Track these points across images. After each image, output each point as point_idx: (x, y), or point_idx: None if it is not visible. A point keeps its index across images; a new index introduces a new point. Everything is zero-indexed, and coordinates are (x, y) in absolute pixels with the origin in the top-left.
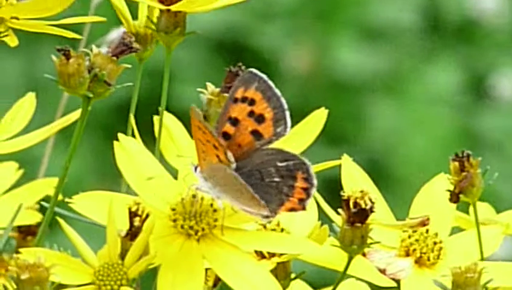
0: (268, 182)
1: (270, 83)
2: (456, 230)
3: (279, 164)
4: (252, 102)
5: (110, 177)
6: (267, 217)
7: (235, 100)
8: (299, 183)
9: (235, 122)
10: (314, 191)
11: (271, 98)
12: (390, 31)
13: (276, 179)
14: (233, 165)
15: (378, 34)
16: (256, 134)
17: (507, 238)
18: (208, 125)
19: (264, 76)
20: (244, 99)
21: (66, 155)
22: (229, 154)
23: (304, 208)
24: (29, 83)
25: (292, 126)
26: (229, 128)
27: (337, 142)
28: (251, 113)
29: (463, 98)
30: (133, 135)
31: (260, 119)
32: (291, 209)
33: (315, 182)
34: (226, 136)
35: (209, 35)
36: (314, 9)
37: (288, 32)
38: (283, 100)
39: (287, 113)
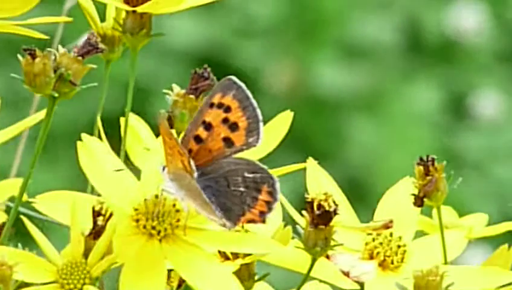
0: (233, 190)
1: (248, 92)
2: (420, 234)
3: (247, 175)
4: (227, 109)
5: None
6: (226, 226)
7: (211, 105)
8: (263, 197)
9: (208, 127)
10: (275, 206)
11: (247, 107)
12: (371, 50)
13: (241, 189)
14: (195, 174)
15: (359, 53)
16: (228, 141)
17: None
18: (172, 133)
19: (243, 85)
20: (220, 106)
21: (46, 166)
22: (192, 163)
23: (263, 221)
24: (10, 95)
25: None
26: (201, 132)
27: (316, 158)
28: (225, 120)
29: (443, 117)
30: (100, 137)
31: (234, 127)
32: (251, 221)
33: (279, 197)
34: (197, 139)
35: (189, 51)
36: (295, 27)
37: (269, 49)
38: (258, 111)
39: (261, 125)
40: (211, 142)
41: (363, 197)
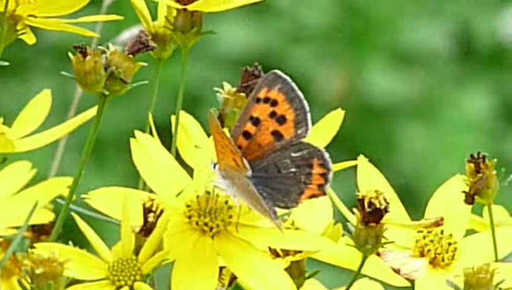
0: (286, 173)
1: (293, 84)
2: (470, 233)
3: (294, 155)
4: (274, 103)
5: None
6: (288, 207)
7: (258, 100)
8: (316, 170)
9: (256, 122)
10: (331, 176)
11: (293, 99)
12: (422, 56)
13: (293, 170)
14: (249, 173)
15: (410, 59)
16: (277, 135)
17: None
18: (225, 132)
19: (288, 78)
20: (266, 100)
21: (93, 171)
22: (245, 161)
23: (324, 193)
24: (61, 103)
25: None
26: (250, 127)
27: None
28: (273, 114)
29: (494, 123)
30: (152, 134)
31: (281, 120)
32: (312, 196)
33: (331, 166)
34: (246, 135)
35: (240, 58)
36: (346, 33)
37: (320, 55)
38: (305, 102)
39: (309, 115)
40: (260, 137)
41: (413, 204)
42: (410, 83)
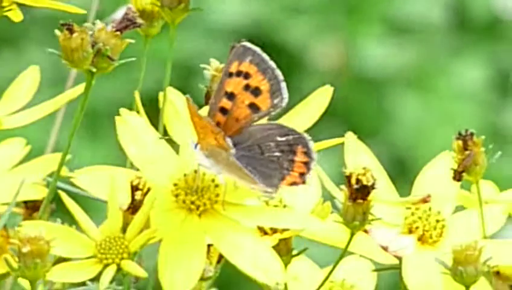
0: (269, 156)
1: (264, 55)
2: (460, 209)
3: (279, 139)
4: (247, 75)
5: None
6: (269, 192)
7: (230, 74)
8: (299, 158)
9: (231, 96)
10: (314, 165)
11: (266, 70)
12: (417, 27)
13: (277, 154)
14: (233, 151)
15: (405, 30)
16: (253, 107)
17: None
18: (204, 116)
19: (258, 49)
20: (239, 73)
21: (88, 144)
22: (228, 140)
23: (304, 182)
24: (58, 73)
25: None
26: (225, 103)
27: (362, 136)
28: (247, 87)
29: (489, 94)
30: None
31: (256, 92)
32: (293, 184)
33: (315, 156)
34: (223, 111)
35: (236, 30)
36: (342, 4)
37: (316, 26)
38: (278, 72)
39: (283, 85)
40: (237, 111)
41: (408, 174)
42: (405, 54)
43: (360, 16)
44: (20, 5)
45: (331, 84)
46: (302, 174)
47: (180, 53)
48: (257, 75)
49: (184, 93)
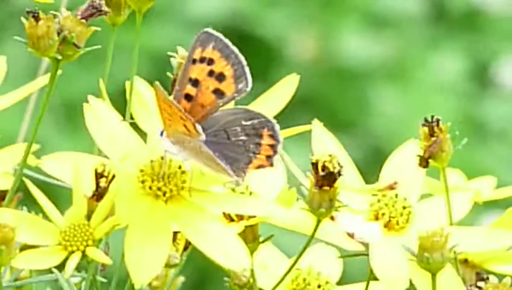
0: (235, 141)
1: (227, 41)
2: (429, 197)
3: (245, 123)
4: (210, 61)
5: None
6: (235, 178)
7: (194, 61)
8: (265, 141)
9: (195, 83)
10: (280, 148)
11: (229, 55)
12: (395, 18)
13: (243, 138)
14: (203, 137)
15: (383, 21)
16: (218, 93)
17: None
18: (174, 102)
19: (220, 35)
20: (202, 60)
21: (68, 136)
22: (198, 127)
23: (271, 165)
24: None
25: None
26: (190, 89)
27: (341, 127)
28: (211, 73)
29: (467, 85)
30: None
31: (220, 77)
32: (260, 167)
33: (281, 138)
34: (188, 97)
35: (213, 21)
36: None
37: (294, 18)
38: (242, 57)
39: (247, 69)
40: (202, 97)
41: None
42: (383, 45)
43: (337, 7)
44: None
45: (309, 75)
46: (268, 157)
47: (158, 45)
48: (220, 61)
49: (161, 84)
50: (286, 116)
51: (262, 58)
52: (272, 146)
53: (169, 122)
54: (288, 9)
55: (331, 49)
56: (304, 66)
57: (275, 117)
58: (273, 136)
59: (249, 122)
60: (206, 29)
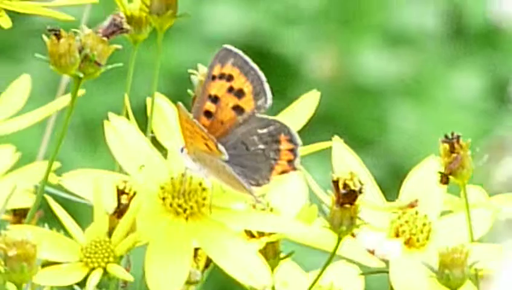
0: (254, 150)
1: (246, 57)
2: (448, 214)
3: (261, 131)
4: (230, 78)
5: None
6: (260, 185)
7: (213, 78)
8: (284, 146)
9: (215, 99)
10: (300, 150)
11: (249, 72)
12: (413, 36)
13: (261, 146)
14: (225, 157)
15: (401, 39)
16: (237, 109)
17: None
18: (197, 123)
19: (239, 51)
20: (222, 76)
21: (89, 154)
22: (221, 147)
23: (294, 169)
24: (55, 83)
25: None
26: (210, 106)
27: (359, 145)
28: (230, 89)
29: (486, 103)
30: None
31: (240, 94)
32: (283, 172)
33: (299, 141)
34: (208, 114)
35: (232, 39)
36: (337, 14)
37: (312, 36)
38: (260, 73)
39: (266, 86)
40: (222, 114)
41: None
42: (402, 63)
43: (355, 25)
44: (16, 15)
45: (328, 93)
46: (290, 161)
47: (177, 62)
48: (240, 77)
49: (180, 101)
50: (305, 133)
51: (280, 76)
52: (291, 150)
53: (190, 141)
54: (306, 27)
55: (349, 66)
56: (322, 83)
57: None
58: (291, 140)
59: (265, 130)
60: (225, 46)
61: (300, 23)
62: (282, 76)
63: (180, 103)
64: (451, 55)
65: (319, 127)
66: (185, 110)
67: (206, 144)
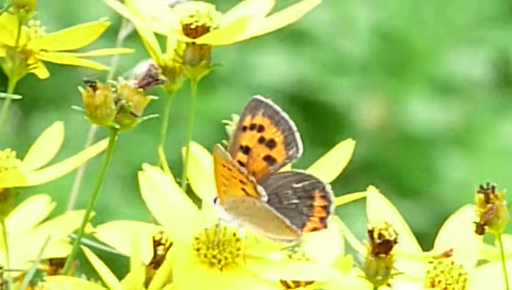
0: (287, 204)
1: (277, 107)
2: (483, 263)
3: (295, 185)
4: (260, 128)
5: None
6: (292, 240)
7: (244, 128)
8: (318, 202)
9: (246, 150)
10: (333, 209)
11: (279, 122)
12: (461, 85)
13: (295, 201)
14: (265, 198)
15: (449, 88)
16: (269, 159)
17: None
18: (235, 163)
19: (269, 101)
20: (252, 127)
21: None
22: (260, 188)
23: (325, 226)
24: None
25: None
26: (241, 157)
27: (408, 194)
28: (261, 140)
29: None
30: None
31: (271, 144)
32: (314, 229)
33: (333, 199)
34: (240, 165)
35: (279, 88)
36: (385, 63)
37: (359, 86)
38: (291, 123)
39: (297, 135)
40: (253, 165)
41: None
42: (450, 112)
43: (402, 74)
44: (62, 67)
45: (376, 143)
46: (322, 219)
47: (224, 111)
48: (271, 128)
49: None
50: (350, 182)
51: (328, 125)
52: (325, 207)
53: (225, 189)
54: (353, 76)
55: (398, 115)
56: (371, 132)
57: (335, 182)
58: (325, 197)
59: (299, 185)
60: (255, 96)
61: (348, 72)
62: (330, 125)
63: (218, 145)
64: (500, 104)
65: (367, 175)
66: (223, 151)
67: (243, 189)
